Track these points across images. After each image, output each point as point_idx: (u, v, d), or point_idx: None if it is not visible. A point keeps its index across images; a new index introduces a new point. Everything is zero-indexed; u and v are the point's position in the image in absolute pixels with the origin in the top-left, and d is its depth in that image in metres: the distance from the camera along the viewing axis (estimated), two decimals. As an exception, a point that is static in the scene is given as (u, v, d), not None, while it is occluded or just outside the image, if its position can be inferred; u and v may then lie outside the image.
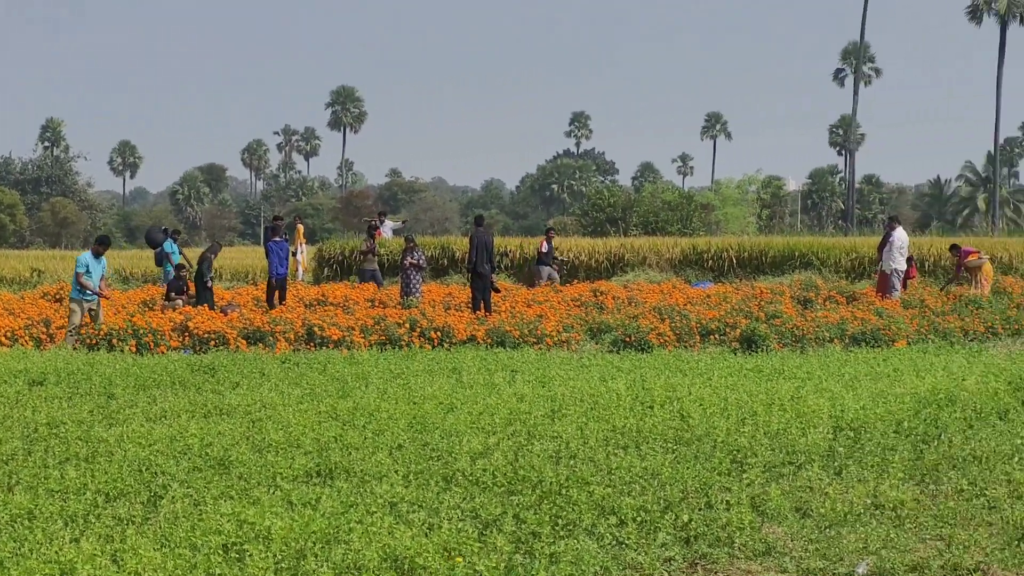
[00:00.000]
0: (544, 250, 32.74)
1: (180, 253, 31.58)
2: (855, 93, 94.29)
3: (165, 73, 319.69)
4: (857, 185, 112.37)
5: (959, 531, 8.29)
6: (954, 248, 29.52)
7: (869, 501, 8.89)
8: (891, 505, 8.79)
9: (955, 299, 24.77)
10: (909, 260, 27.90)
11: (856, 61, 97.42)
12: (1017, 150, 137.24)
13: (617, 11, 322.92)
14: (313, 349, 20.15)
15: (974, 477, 9.57)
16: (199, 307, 23.11)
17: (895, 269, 26.89)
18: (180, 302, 24.69)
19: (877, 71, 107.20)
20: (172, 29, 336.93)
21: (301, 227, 37.72)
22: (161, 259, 31.60)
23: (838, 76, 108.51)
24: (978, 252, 28.58)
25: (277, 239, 26.64)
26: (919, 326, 21.67)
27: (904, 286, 27.18)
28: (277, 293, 26.00)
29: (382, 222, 38.11)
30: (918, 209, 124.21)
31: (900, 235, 27.07)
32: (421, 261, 27.32)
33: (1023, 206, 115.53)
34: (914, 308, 23.49)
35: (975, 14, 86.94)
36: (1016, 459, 10.09)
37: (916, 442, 10.80)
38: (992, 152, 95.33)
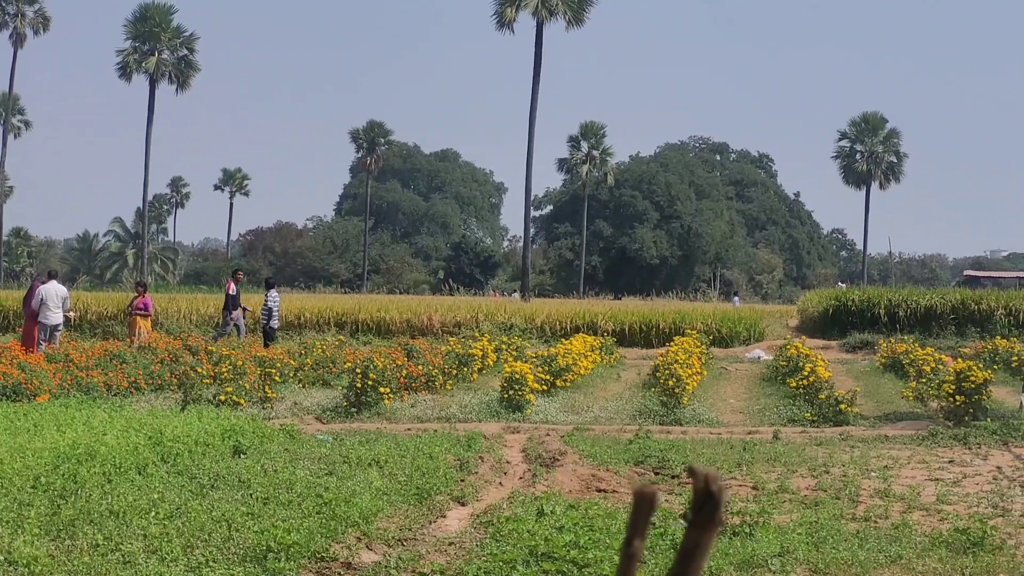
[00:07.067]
0: (232, 292, 30.14)
1: None
2: (3, 145, 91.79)
3: None
4: (5, 238, 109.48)
5: (93, 586, 8.30)
6: (140, 286, 31.46)
7: (3, 558, 8.65)
8: (25, 561, 8.61)
9: (101, 353, 24.90)
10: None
11: (5, 112, 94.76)
12: (166, 207, 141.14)
13: None
14: None
15: (111, 532, 9.61)
16: None
17: (42, 323, 26.88)
18: None
19: (27, 123, 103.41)
20: None
21: None
22: None
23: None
24: (148, 308, 29.99)
25: None
26: (63, 380, 21.46)
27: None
28: None
29: None
30: (67, 263, 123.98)
31: (48, 289, 27.05)
32: None
33: (170, 263, 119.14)
34: (58, 362, 23.26)
35: (125, 72, 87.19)
36: (153, 513, 10.27)
37: (54, 497, 10.66)
38: (141, 208, 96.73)
